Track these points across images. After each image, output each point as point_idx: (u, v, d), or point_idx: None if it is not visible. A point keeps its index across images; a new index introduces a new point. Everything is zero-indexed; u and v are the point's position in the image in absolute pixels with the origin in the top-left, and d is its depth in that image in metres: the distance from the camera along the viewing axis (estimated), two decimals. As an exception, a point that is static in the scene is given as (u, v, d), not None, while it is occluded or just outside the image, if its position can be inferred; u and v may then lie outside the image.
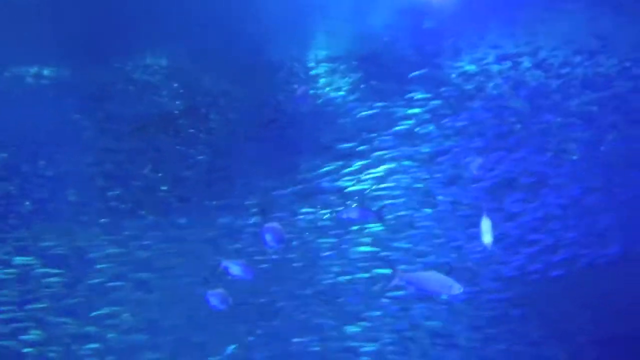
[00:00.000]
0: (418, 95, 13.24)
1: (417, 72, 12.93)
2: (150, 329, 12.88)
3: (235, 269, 10.14)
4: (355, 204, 12.53)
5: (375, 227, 12.85)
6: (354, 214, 11.56)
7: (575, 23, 13.23)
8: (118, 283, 12.69)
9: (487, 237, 9.26)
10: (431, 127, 13.07)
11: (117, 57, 13.07)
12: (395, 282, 7.94)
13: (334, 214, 12.73)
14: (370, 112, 13.30)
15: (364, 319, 13.56)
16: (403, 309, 13.78)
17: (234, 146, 13.42)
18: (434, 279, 7.88)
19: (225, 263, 10.16)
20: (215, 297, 10.45)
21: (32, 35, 11.99)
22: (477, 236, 13.22)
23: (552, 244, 13.40)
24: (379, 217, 11.68)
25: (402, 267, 13.32)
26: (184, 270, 12.89)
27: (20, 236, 12.75)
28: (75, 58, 12.76)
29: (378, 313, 13.44)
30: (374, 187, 12.84)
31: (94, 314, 12.55)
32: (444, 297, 12.70)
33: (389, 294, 13.53)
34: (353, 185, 12.94)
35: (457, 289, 7.78)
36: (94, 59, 12.77)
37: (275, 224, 9.54)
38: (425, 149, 12.99)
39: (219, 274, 10.23)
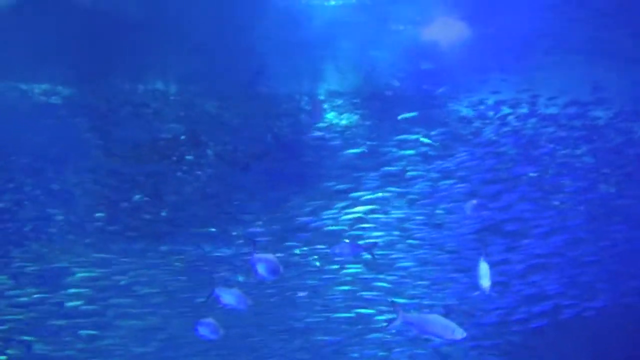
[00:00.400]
0: (413, 137, 13.21)
1: (415, 114, 12.90)
2: (124, 356, 12.82)
3: (227, 297, 9.46)
4: (346, 240, 12.48)
5: (356, 268, 12.85)
6: (345, 250, 11.43)
7: (573, 73, 13.22)
8: (95, 307, 12.61)
9: (485, 281, 9.05)
10: (421, 170, 13.02)
11: (124, 81, 13.00)
12: (397, 323, 7.80)
13: (322, 253, 12.77)
14: (363, 150, 13.28)
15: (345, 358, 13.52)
16: (386, 349, 13.78)
17: (229, 176, 13.38)
18: (437, 322, 7.74)
19: (218, 291, 9.45)
20: (205, 326, 9.95)
21: (44, 55, 11.97)
22: (457, 280, 13.28)
23: (536, 294, 13.35)
24: (370, 253, 11.57)
25: (401, 307, 13.33)
26: (164, 298, 12.88)
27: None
28: (83, 80, 12.75)
29: (357, 355, 13.40)
30: (355, 227, 12.80)
31: (68, 338, 12.49)
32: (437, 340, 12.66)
33: (372, 335, 13.53)
34: (335, 224, 12.90)
35: (460, 333, 7.66)
36: (100, 82, 12.74)
37: (269, 255, 8.90)
38: (412, 190, 12.93)
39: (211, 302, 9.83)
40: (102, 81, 12.58)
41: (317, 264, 13.10)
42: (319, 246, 13.17)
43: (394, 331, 13.37)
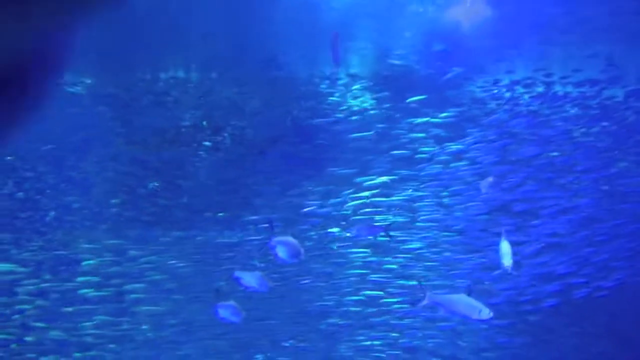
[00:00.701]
0: (425, 119, 13.04)
1: (424, 96, 12.69)
2: (136, 342, 12.84)
3: (248, 280, 9.26)
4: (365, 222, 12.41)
5: (364, 251, 12.80)
6: (363, 231, 11.32)
7: (589, 51, 13.00)
8: (110, 293, 12.58)
9: (507, 260, 8.92)
10: (432, 151, 12.88)
11: (145, 70, 12.77)
12: (424, 303, 7.79)
13: (335, 237, 12.73)
14: (376, 133, 13.11)
15: (358, 340, 13.50)
16: (398, 331, 13.78)
17: (245, 160, 13.22)
18: (464, 302, 7.75)
19: (238, 274, 9.26)
20: (225, 309, 9.72)
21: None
22: (467, 261, 13.24)
23: (548, 273, 13.32)
24: (387, 234, 11.47)
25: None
26: (179, 283, 12.84)
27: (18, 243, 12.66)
28: (104, 69, 12.55)
29: (368, 337, 13.38)
30: (364, 210, 12.71)
31: (83, 324, 12.47)
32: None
33: (383, 317, 13.51)
34: (347, 208, 12.81)
35: (487, 313, 7.65)
36: (121, 71, 12.55)
37: (289, 238, 8.67)
38: (422, 172, 12.80)
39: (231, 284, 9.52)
40: (123, 70, 12.40)
41: (334, 247, 13.05)
42: (331, 230, 13.13)
43: (401, 314, 13.45)
